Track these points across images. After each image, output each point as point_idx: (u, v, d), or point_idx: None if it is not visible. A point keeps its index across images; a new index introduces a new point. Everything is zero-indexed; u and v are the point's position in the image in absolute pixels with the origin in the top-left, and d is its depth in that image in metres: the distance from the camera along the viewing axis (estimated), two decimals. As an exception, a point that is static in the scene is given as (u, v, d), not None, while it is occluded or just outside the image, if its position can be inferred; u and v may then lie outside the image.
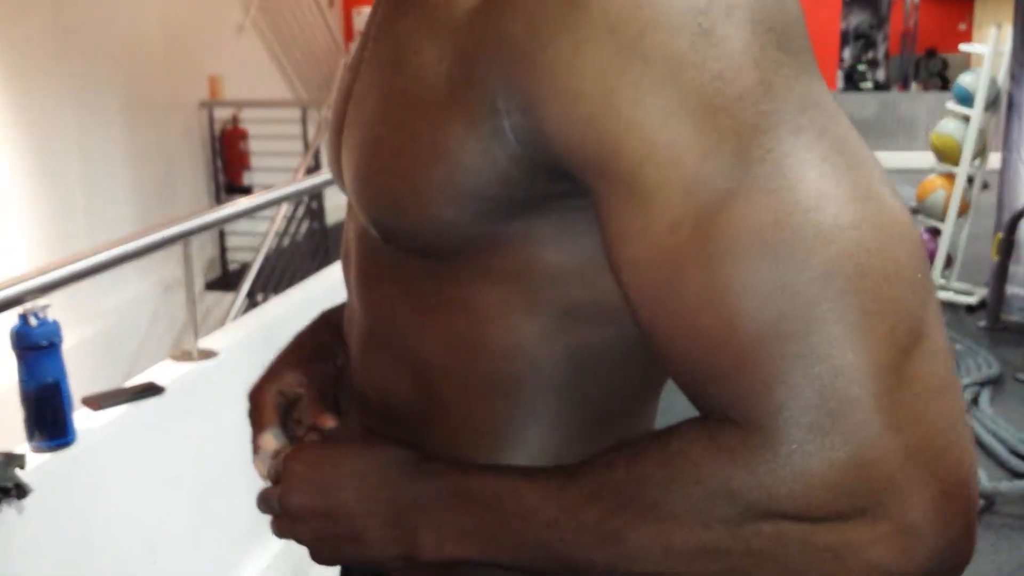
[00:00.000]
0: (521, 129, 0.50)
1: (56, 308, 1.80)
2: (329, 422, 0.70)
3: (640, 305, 0.48)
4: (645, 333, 0.48)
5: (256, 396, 0.78)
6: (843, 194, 0.43)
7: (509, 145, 0.51)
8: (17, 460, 1.69)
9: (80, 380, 1.94)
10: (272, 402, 0.77)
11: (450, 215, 0.55)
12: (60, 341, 1.76)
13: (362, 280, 0.67)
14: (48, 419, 1.76)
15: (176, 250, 2.34)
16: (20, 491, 1.64)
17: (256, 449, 0.76)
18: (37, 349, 1.73)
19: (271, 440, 0.75)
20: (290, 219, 5.65)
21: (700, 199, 0.44)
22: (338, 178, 0.71)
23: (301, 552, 0.65)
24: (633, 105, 0.45)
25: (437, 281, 0.60)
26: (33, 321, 1.73)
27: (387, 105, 0.57)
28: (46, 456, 1.75)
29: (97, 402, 1.94)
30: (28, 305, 1.75)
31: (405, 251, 0.60)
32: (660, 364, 0.49)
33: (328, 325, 0.82)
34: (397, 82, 0.57)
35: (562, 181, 0.51)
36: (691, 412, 0.49)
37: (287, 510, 0.64)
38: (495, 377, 0.60)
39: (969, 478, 0.43)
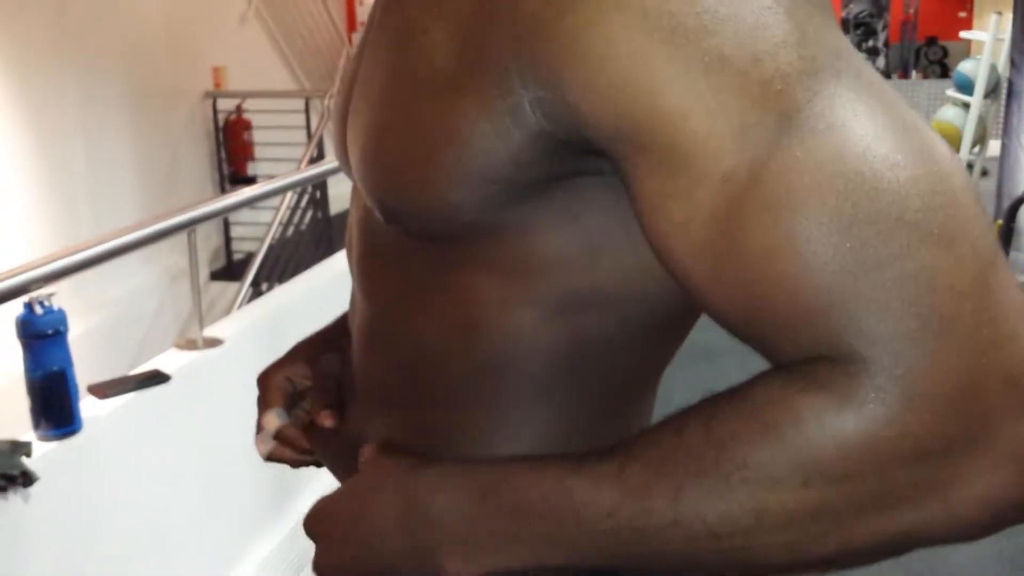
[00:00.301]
0: (543, 104, 0.49)
1: (63, 298, 1.81)
2: (327, 421, 0.70)
3: (694, 266, 0.45)
4: (702, 295, 0.46)
5: (265, 379, 0.79)
6: (894, 127, 0.43)
7: (528, 123, 0.50)
8: (23, 448, 1.70)
9: (87, 369, 1.95)
10: (279, 386, 0.79)
11: (457, 198, 0.54)
12: (66, 329, 1.77)
13: (363, 267, 0.68)
14: (54, 407, 1.77)
15: (182, 240, 2.36)
16: (26, 479, 1.65)
17: (259, 428, 0.77)
18: (43, 337, 1.74)
19: (273, 419, 0.77)
20: (294, 208, 5.66)
21: (752, 146, 0.43)
22: (344, 164, 0.71)
23: (305, 541, 0.65)
24: (668, 61, 0.44)
25: (438, 268, 0.60)
26: (38, 310, 1.74)
27: (393, 88, 0.57)
28: (52, 444, 1.77)
29: (103, 390, 1.95)
30: (33, 294, 1.76)
31: (407, 235, 0.60)
32: (724, 324, 0.46)
33: (344, 322, 0.83)
34: (403, 65, 0.57)
35: (578, 158, 0.51)
36: (691, 400, 0.47)
37: (327, 574, 0.63)
38: (496, 363, 0.59)
39: None
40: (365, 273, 0.68)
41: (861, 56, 0.47)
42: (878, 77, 0.46)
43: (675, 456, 0.45)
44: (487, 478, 0.53)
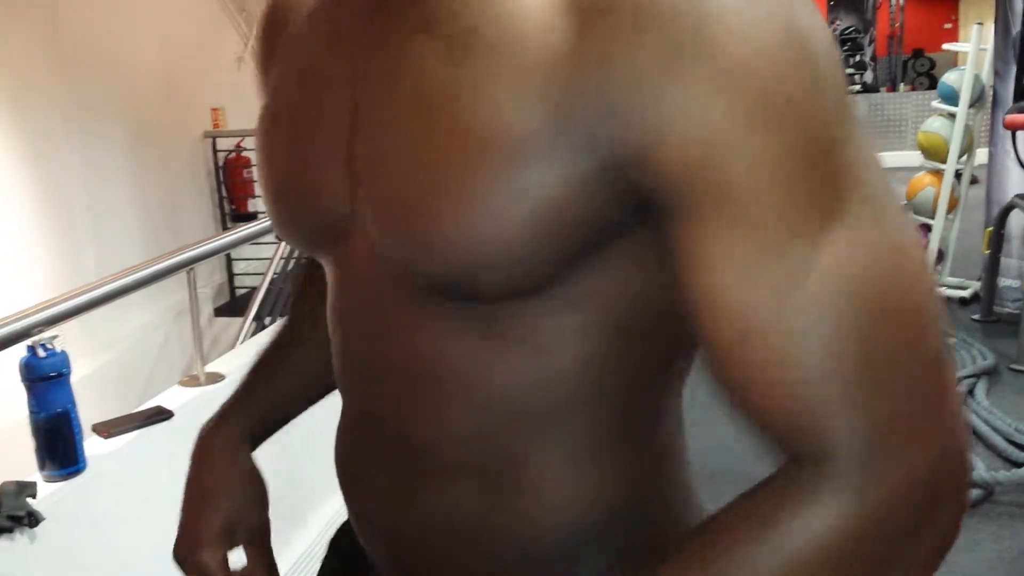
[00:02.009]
0: (627, 166, 0.52)
1: (70, 338, 1.83)
2: None
3: (718, 328, 0.50)
4: (716, 352, 0.51)
5: (198, 564, 0.81)
6: (900, 250, 0.50)
7: (606, 182, 0.53)
8: (29, 489, 1.72)
9: (94, 407, 1.98)
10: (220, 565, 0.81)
11: (529, 256, 0.55)
12: (69, 371, 1.80)
13: (394, 333, 0.64)
14: (59, 448, 1.79)
15: (184, 278, 2.38)
16: (32, 519, 1.66)
17: None
18: (46, 380, 1.77)
19: None
20: (294, 243, 5.71)
21: (797, 241, 0.48)
22: (313, 229, 0.67)
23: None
24: (745, 147, 0.48)
25: (498, 319, 0.59)
26: (41, 353, 1.77)
27: (447, 150, 0.55)
28: (57, 484, 1.79)
29: (107, 429, 1.98)
30: (36, 337, 1.80)
31: (468, 299, 0.59)
32: (727, 392, 0.51)
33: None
34: (457, 126, 0.55)
35: (641, 215, 0.54)
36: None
37: None
38: (569, 400, 0.61)
39: (966, 452, 0.51)
40: (397, 338, 0.64)
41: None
42: (888, 187, 0.52)
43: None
44: None
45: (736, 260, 0.49)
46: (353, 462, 0.72)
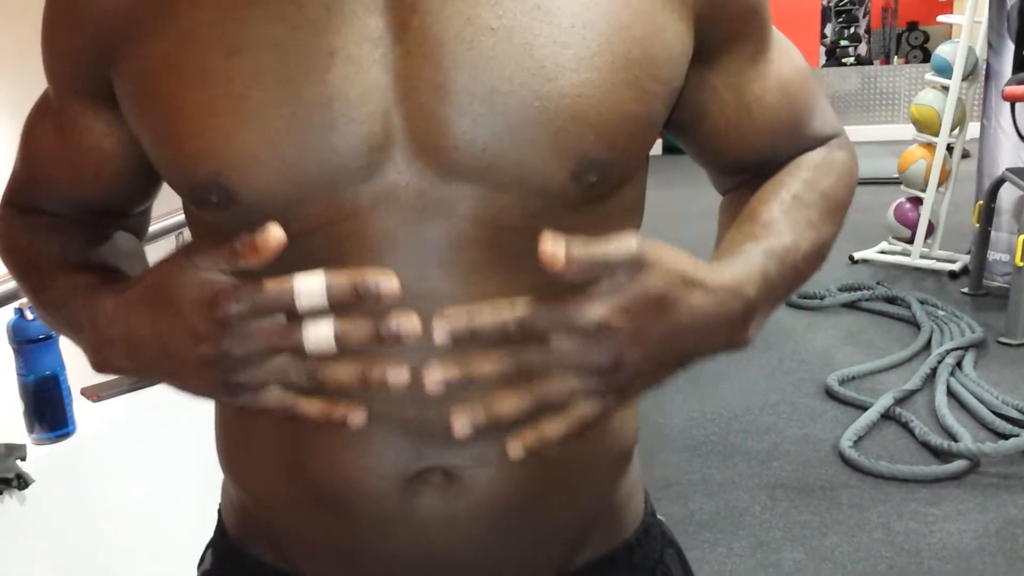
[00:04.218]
0: (707, 16, 0.66)
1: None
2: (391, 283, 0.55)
3: (777, 104, 0.75)
4: (772, 120, 0.76)
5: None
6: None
7: (689, 29, 0.65)
8: (18, 451, 1.72)
9: (85, 372, 1.96)
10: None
11: (660, 119, 0.65)
12: (57, 334, 1.79)
13: (508, 261, 0.61)
14: (47, 411, 1.79)
15: (171, 243, 2.38)
16: (22, 482, 1.66)
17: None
18: (34, 342, 1.76)
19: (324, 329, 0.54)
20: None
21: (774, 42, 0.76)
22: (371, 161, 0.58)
23: None
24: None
25: (593, 215, 0.62)
26: (29, 315, 1.76)
27: (605, 38, 0.58)
28: (47, 447, 1.78)
29: (96, 392, 1.97)
30: (24, 300, 1.78)
31: (584, 193, 0.60)
32: (777, 136, 0.76)
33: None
34: (611, 15, 0.59)
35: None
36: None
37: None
38: None
39: None
40: (510, 266, 0.61)
41: None
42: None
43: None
44: None
45: (779, 55, 0.76)
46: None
